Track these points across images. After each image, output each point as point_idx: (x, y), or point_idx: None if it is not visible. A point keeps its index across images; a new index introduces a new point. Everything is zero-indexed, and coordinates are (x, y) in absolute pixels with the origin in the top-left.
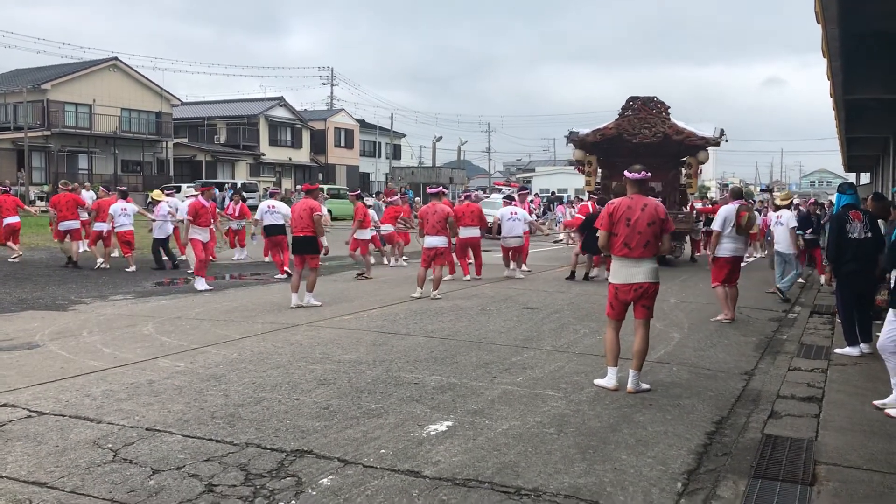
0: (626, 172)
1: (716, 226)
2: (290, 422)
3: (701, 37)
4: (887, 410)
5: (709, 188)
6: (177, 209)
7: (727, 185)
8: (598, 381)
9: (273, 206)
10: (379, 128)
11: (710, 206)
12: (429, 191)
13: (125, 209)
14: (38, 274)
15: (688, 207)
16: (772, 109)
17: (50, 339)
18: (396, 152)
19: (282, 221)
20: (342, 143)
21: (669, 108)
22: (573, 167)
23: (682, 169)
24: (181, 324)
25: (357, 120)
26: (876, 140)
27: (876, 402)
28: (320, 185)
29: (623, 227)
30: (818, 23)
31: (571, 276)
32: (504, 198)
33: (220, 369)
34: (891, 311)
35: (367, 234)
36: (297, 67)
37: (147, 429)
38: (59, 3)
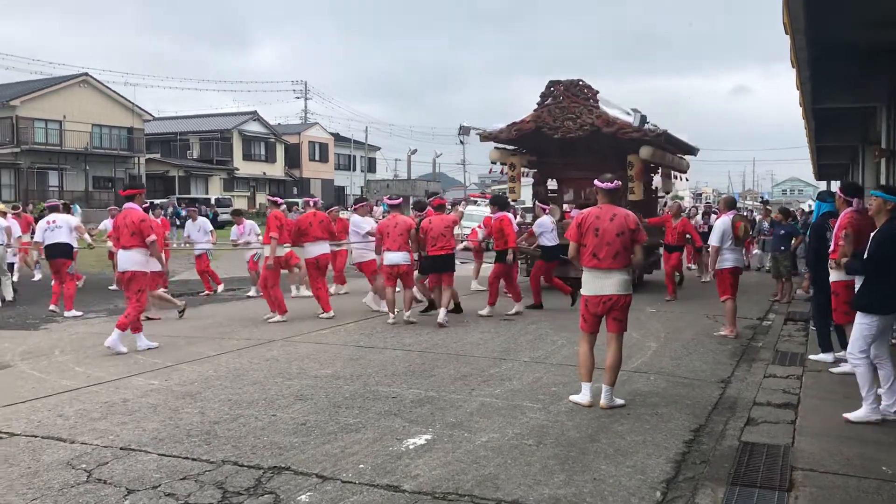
0: (596, 181)
1: (714, 241)
2: (267, 438)
3: (669, 48)
4: (846, 415)
5: (682, 197)
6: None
7: (700, 195)
8: (573, 398)
9: (54, 222)
10: (354, 141)
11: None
12: (386, 201)
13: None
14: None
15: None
16: (742, 119)
17: (21, 358)
18: (371, 165)
19: (66, 239)
20: (317, 157)
21: (598, 92)
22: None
23: (659, 178)
24: (155, 341)
25: (331, 133)
26: (845, 149)
27: (847, 416)
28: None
29: (592, 238)
30: (786, 34)
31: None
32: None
33: (196, 386)
34: (858, 313)
35: (320, 248)
36: (270, 81)
37: (121, 448)
38: (24, 18)
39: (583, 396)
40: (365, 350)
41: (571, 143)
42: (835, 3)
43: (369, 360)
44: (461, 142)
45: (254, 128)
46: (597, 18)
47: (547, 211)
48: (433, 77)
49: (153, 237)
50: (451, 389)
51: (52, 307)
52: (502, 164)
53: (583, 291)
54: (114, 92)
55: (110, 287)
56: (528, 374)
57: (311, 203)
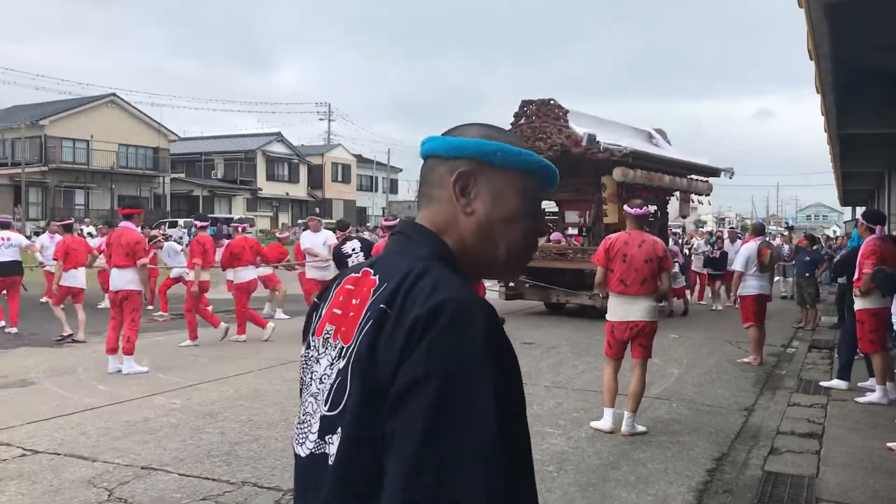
0: (625, 207)
1: (738, 266)
2: (286, 460)
3: (690, 70)
4: (889, 444)
5: (705, 222)
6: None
7: (723, 220)
8: (594, 424)
9: (8, 239)
10: (376, 162)
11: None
12: (383, 222)
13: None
14: (34, 310)
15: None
16: (766, 143)
17: (45, 375)
18: (393, 186)
19: (17, 257)
20: (339, 178)
21: (567, 112)
22: None
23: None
24: (177, 360)
25: (354, 155)
26: (871, 174)
27: (891, 445)
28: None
29: (619, 264)
30: (811, 59)
31: None
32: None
33: (217, 406)
34: None
35: (248, 273)
36: (295, 103)
37: (142, 467)
38: (54, 39)
39: (604, 422)
40: None
41: (554, 163)
42: (860, 28)
43: None
44: None
45: (278, 149)
46: (617, 40)
47: None
48: (454, 98)
49: (145, 260)
50: None
51: (9, 329)
52: None
53: (609, 317)
54: (141, 112)
55: (99, 305)
56: (548, 398)
57: (241, 229)
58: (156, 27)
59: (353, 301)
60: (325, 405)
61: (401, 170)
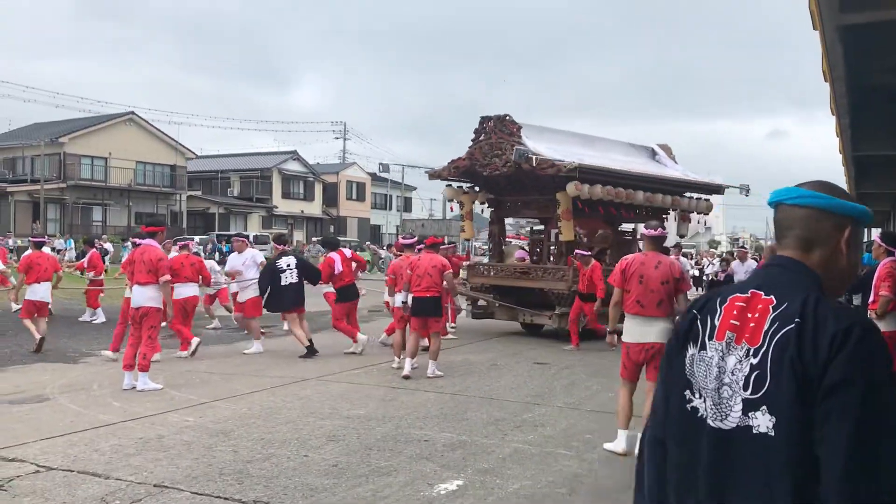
0: (642, 228)
1: None
2: (299, 479)
3: (702, 89)
4: None
5: (719, 243)
6: None
7: (737, 240)
8: (607, 446)
9: None
10: (390, 181)
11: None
12: (400, 240)
13: None
14: (50, 326)
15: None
16: (779, 163)
17: (60, 391)
18: (407, 205)
19: None
20: (354, 196)
21: (521, 127)
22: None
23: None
24: (191, 377)
25: (369, 173)
26: (887, 196)
27: None
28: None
29: (636, 285)
30: (826, 81)
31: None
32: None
33: (229, 424)
34: None
35: (189, 289)
36: (311, 122)
37: (155, 485)
38: (74, 57)
39: (618, 444)
40: (397, 391)
41: (519, 180)
42: (875, 50)
43: (401, 401)
44: (431, 178)
45: (293, 167)
46: (628, 58)
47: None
48: (467, 115)
49: (167, 277)
50: (484, 434)
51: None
52: (458, 202)
53: (624, 338)
54: (158, 130)
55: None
56: (561, 420)
57: (182, 245)
58: (173, 45)
59: (751, 314)
60: (744, 391)
61: (415, 188)
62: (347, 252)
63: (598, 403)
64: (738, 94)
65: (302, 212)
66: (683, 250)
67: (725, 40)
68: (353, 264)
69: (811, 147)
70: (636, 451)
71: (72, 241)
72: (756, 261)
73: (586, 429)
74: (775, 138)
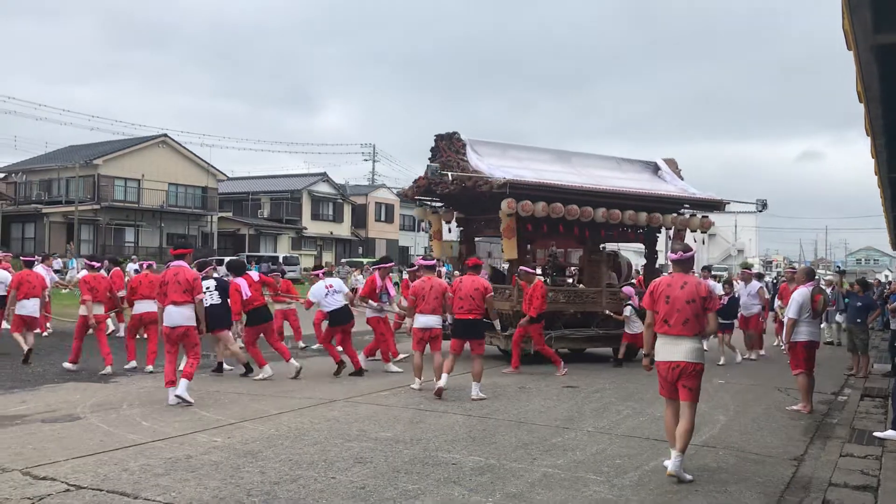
0: (669, 253)
1: (791, 313)
2: (326, 501)
3: (733, 111)
4: None
5: (751, 265)
6: None
7: (770, 263)
8: (665, 462)
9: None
10: (419, 203)
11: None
12: (420, 262)
13: None
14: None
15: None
16: (813, 185)
17: (91, 411)
18: None
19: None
20: (382, 218)
21: (465, 144)
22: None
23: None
24: (220, 397)
25: (397, 195)
26: None
27: None
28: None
29: (663, 305)
30: (860, 102)
31: None
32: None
33: (257, 445)
34: None
35: (143, 306)
36: (340, 144)
37: None
38: (109, 81)
39: (669, 462)
40: (425, 413)
41: (481, 199)
42: None
43: (429, 423)
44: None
45: (323, 189)
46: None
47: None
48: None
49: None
50: (513, 458)
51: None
52: (427, 221)
53: (656, 357)
54: (190, 152)
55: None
56: (591, 444)
57: (145, 266)
58: (205, 69)
59: None
60: None
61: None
62: (255, 275)
63: (629, 428)
64: (770, 115)
65: (331, 233)
66: (713, 272)
67: (758, 62)
68: (262, 286)
69: (845, 169)
70: (669, 468)
71: (74, 260)
72: (775, 284)
73: (617, 454)
74: (808, 159)
